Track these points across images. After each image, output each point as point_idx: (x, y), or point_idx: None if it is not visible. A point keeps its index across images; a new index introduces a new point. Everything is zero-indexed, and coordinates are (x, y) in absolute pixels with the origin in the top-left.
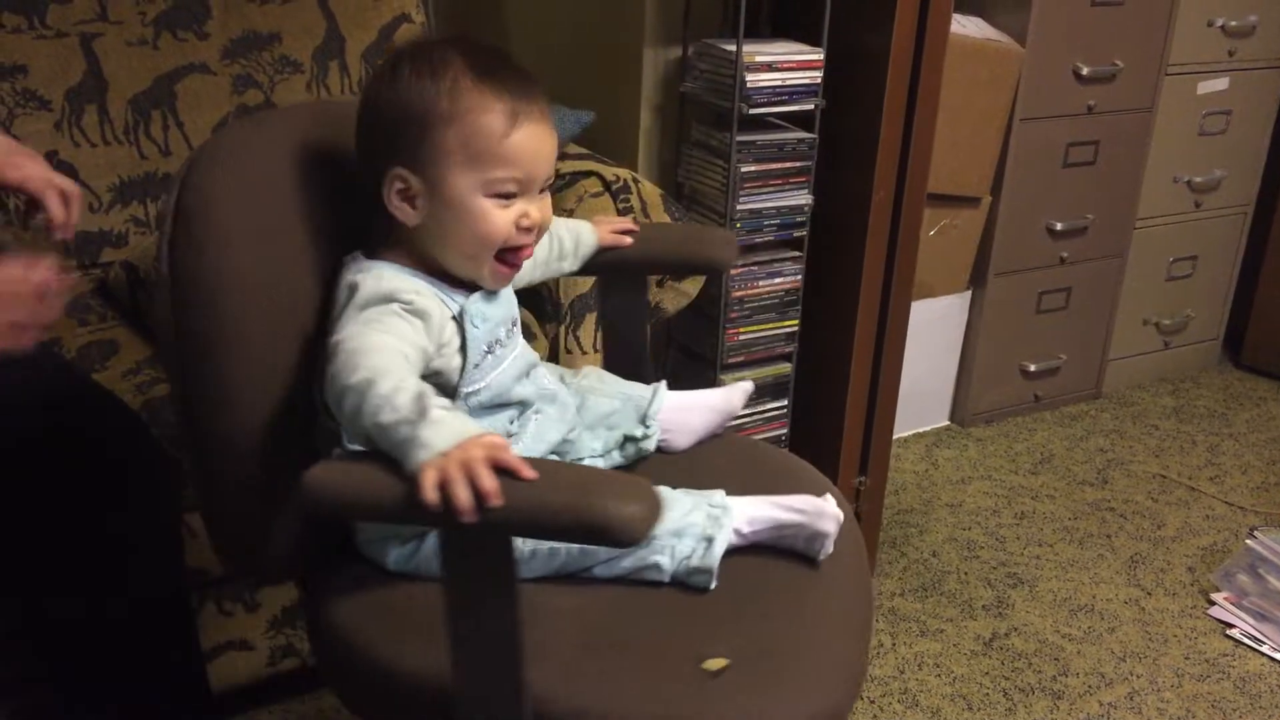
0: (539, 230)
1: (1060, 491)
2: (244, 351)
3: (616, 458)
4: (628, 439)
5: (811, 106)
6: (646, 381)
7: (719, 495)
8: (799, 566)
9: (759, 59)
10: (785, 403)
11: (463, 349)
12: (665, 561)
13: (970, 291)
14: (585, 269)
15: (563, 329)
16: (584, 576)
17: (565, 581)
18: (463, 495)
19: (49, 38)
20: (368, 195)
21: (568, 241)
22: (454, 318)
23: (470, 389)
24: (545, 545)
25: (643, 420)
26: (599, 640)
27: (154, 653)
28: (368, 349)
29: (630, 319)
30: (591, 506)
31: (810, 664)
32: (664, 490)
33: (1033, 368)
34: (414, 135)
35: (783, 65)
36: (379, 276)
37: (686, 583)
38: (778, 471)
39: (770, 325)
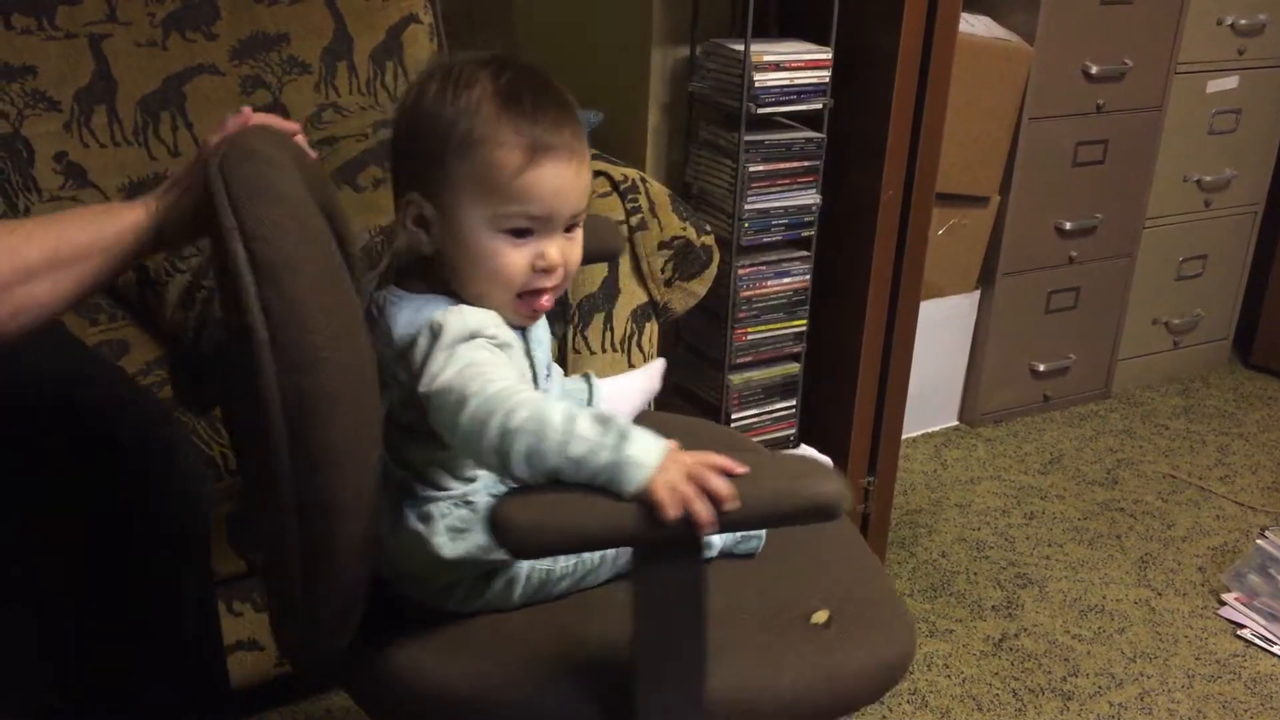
0: (565, 272)
1: (1070, 492)
2: (349, 406)
3: None
4: None
5: (820, 106)
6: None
7: None
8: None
9: (767, 58)
10: (794, 403)
11: (534, 376)
12: (715, 537)
13: (979, 291)
14: None
15: (571, 329)
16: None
17: (622, 579)
18: (703, 508)
19: (58, 39)
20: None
21: None
22: (524, 349)
23: None
24: (614, 550)
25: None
26: (713, 619)
27: (180, 651)
28: (504, 389)
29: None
30: (807, 491)
31: (888, 610)
32: None
33: (1042, 367)
34: (428, 160)
35: (791, 65)
36: (459, 312)
37: (734, 553)
38: (724, 444)
39: (778, 325)
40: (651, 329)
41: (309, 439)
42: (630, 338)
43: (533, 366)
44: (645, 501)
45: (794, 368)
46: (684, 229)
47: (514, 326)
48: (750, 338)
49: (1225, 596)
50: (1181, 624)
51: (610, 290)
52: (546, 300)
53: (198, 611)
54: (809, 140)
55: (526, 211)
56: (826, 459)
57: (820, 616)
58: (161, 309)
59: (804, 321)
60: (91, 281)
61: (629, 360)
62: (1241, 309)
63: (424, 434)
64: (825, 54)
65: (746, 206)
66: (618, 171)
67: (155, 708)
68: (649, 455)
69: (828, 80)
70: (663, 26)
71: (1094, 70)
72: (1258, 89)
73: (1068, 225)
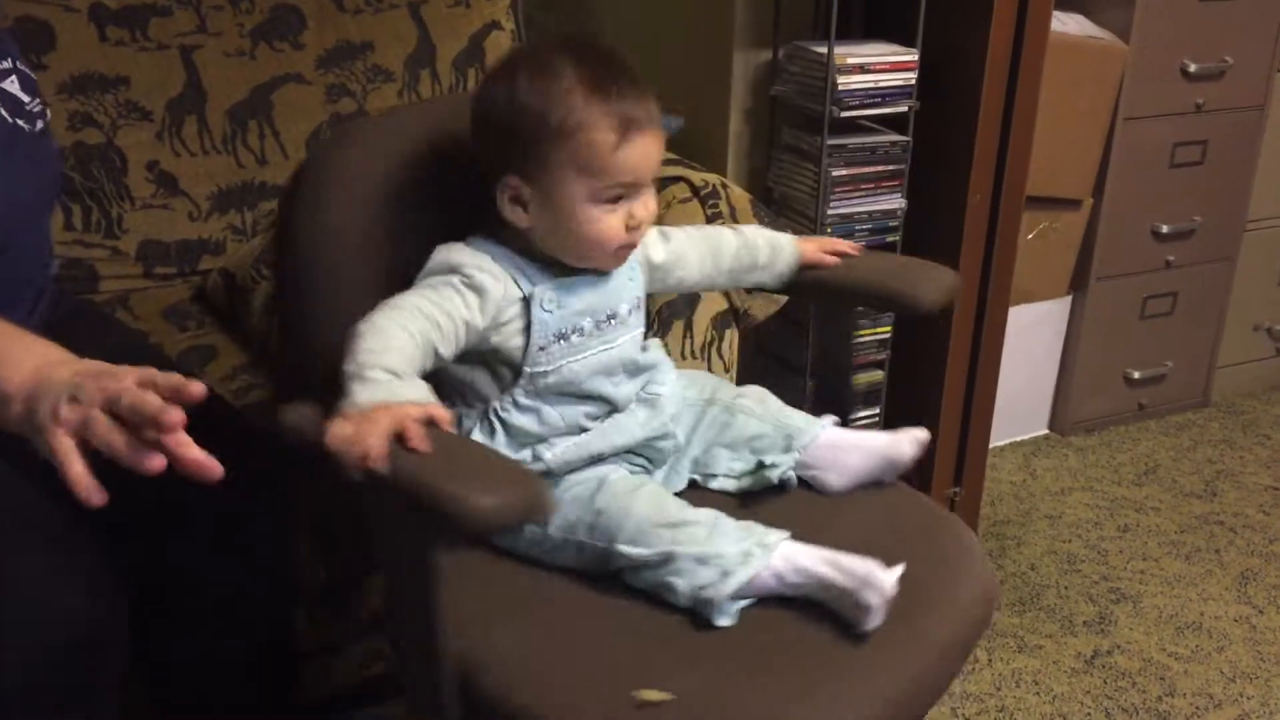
0: (646, 225)
1: (1166, 504)
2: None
3: (748, 482)
4: (761, 465)
5: (905, 109)
6: (843, 415)
7: (775, 535)
8: (835, 632)
9: (851, 61)
10: (877, 410)
11: (526, 330)
12: (681, 585)
13: (1071, 297)
14: (787, 288)
15: (651, 335)
16: (619, 579)
17: (598, 580)
18: (345, 450)
19: (150, 50)
20: (475, 189)
21: (763, 253)
22: (523, 299)
23: (536, 369)
24: (573, 536)
25: (785, 449)
26: (564, 635)
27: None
28: (393, 306)
29: (832, 349)
30: (442, 489)
31: None
32: (713, 516)
33: (1137, 375)
34: (526, 145)
35: (875, 67)
36: (453, 249)
37: (699, 612)
38: (912, 532)
39: (863, 332)
40: (732, 336)
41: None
42: (710, 344)
43: (529, 323)
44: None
45: (878, 375)
46: None
47: (553, 277)
48: None
49: None
50: None
51: (691, 296)
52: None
53: (275, 615)
54: (894, 144)
55: (621, 182)
56: (887, 585)
57: (652, 695)
58: (247, 316)
59: (888, 329)
60: None
61: (709, 367)
62: None
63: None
64: (911, 55)
65: (829, 211)
66: (698, 177)
67: (231, 710)
68: (362, 395)
69: (913, 82)
70: (744, 29)
71: (1192, 69)
72: None
73: (1164, 228)
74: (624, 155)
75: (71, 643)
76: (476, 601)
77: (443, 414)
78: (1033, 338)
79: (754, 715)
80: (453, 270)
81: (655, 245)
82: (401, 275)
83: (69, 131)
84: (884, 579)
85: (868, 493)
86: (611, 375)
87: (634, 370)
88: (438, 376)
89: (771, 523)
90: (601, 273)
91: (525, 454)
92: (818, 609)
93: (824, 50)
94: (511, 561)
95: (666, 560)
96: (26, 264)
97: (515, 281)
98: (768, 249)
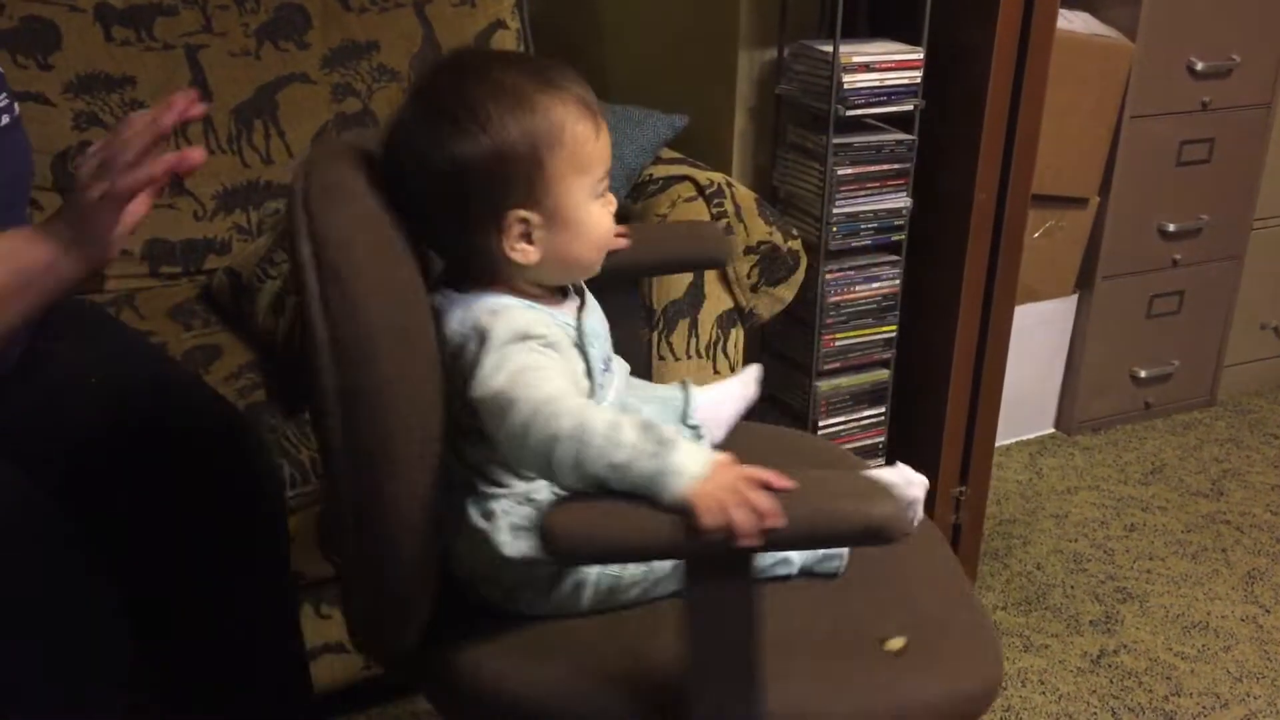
0: None
1: (1172, 503)
2: (402, 405)
3: None
4: None
5: (911, 107)
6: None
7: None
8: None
9: (856, 59)
10: (883, 410)
11: (589, 372)
12: (794, 554)
13: (1077, 295)
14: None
15: (655, 335)
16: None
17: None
18: (743, 518)
19: (156, 50)
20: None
21: None
22: (575, 344)
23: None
24: (600, 575)
25: (684, 420)
26: (779, 640)
27: (262, 654)
28: (551, 395)
29: (629, 322)
30: (854, 511)
31: (972, 638)
32: None
33: (1143, 374)
34: (528, 171)
35: (881, 65)
36: (506, 314)
37: (815, 571)
38: (819, 457)
39: (868, 331)
40: (737, 335)
41: (361, 432)
42: (715, 343)
43: (587, 361)
44: (684, 510)
45: (884, 374)
46: (770, 234)
47: (585, 310)
48: (839, 344)
49: None
50: None
51: (695, 296)
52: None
53: (276, 614)
54: (899, 142)
55: (604, 170)
56: (921, 478)
57: (895, 644)
58: (253, 315)
59: (894, 327)
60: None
61: (714, 366)
62: None
63: (481, 434)
64: (917, 54)
65: (835, 210)
66: (703, 176)
67: (236, 710)
68: (691, 464)
69: (919, 81)
70: (750, 28)
71: (1199, 66)
72: None
73: (1171, 227)
74: (601, 140)
75: (72, 641)
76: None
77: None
78: (1039, 336)
79: (962, 627)
80: (523, 338)
81: None
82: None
83: (75, 131)
84: (913, 474)
85: (744, 436)
86: (626, 387)
87: (627, 373)
88: (449, 468)
89: None
90: (585, 293)
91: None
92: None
93: (829, 49)
94: (556, 625)
95: None
96: None
97: (561, 328)
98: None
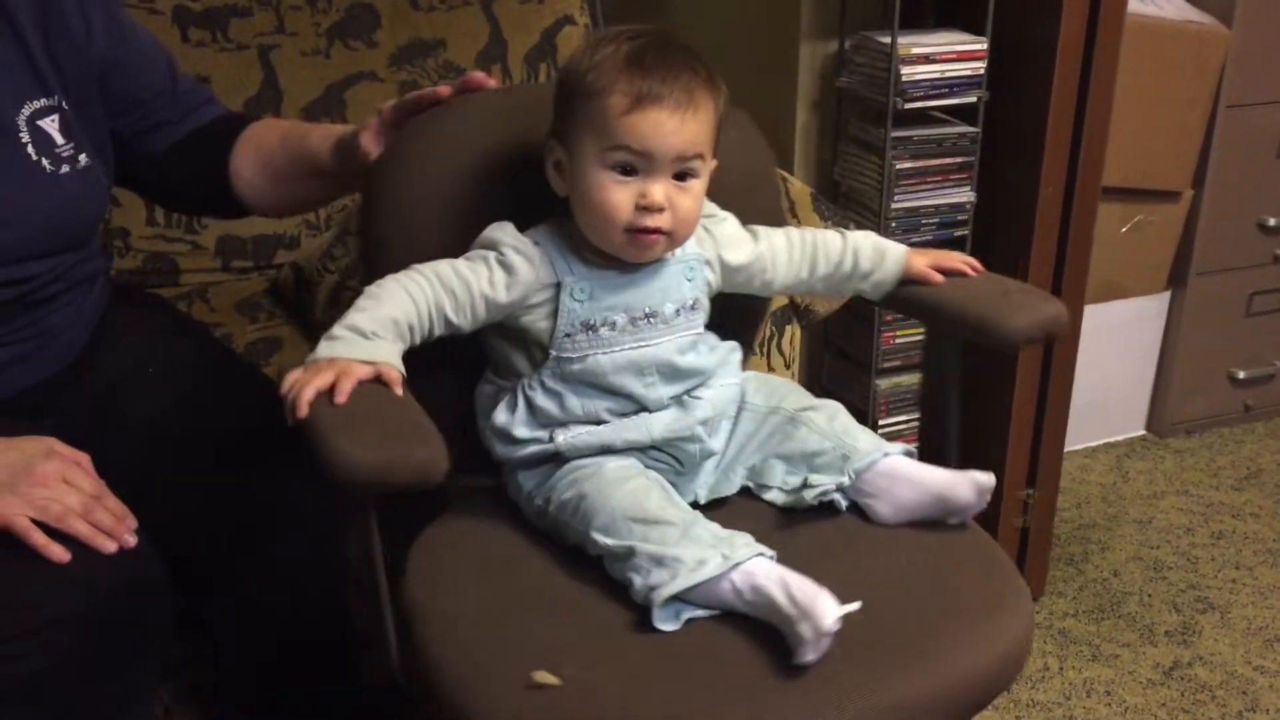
0: (673, 218)
1: (1266, 510)
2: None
3: (795, 499)
4: (805, 484)
5: (974, 99)
6: (944, 460)
7: (747, 549)
8: (775, 663)
9: (916, 51)
10: None
11: (553, 315)
12: (637, 581)
13: (1169, 292)
14: (890, 300)
15: (763, 342)
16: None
17: (581, 564)
18: (286, 397)
19: (230, 50)
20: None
21: (865, 260)
22: (555, 284)
23: (563, 355)
24: (562, 515)
25: (841, 468)
26: (507, 607)
27: (309, 638)
28: (414, 270)
29: (937, 378)
30: (325, 439)
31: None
32: (693, 518)
33: (1242, 375)
34: (564, 109)
35: (941, 57)
36: (500, 227)
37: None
38: (947, 577)
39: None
40: (793, 332)
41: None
42: (770, 340)
43: (557, 308)
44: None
45: None
46: (825, 228)
47: (598, 270)
48: (899, 341)
49: None
50: None
51: None
52: (655, 236)
53: (330, 606)
54: (962, 135)
55: (625, 145)
56: (826, 624)
57: (542, 677)
58: (312, 308)
59: None
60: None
61: (769, 364)
62: None
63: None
64: (980, 44)
65: (894, 205)
66: None
67: (287, 702)
68: (322, 349)
69: (982, 72)
70: (812, 20)
71: None
72: None
73: (1271, 221)
74: (632, 121)
75: (111, 618)
76: (453, 558)
77: (393, 375)
78: (1128, 334)
79: (624, 711)
80: (491, 247)
81: (736, 245)
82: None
83: None
84: (825, 614)
85: (919, 530)
86: (643, 375)
87: (671, 374)
88: (487, 347)
89: (799, 544)
90: (641, 267)
91: (543, 433)
92: (775, 633)
93: (888, 40)
94: (513, 528)
95: (628, 554)
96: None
97: (553, 267)
98: (872, 257)
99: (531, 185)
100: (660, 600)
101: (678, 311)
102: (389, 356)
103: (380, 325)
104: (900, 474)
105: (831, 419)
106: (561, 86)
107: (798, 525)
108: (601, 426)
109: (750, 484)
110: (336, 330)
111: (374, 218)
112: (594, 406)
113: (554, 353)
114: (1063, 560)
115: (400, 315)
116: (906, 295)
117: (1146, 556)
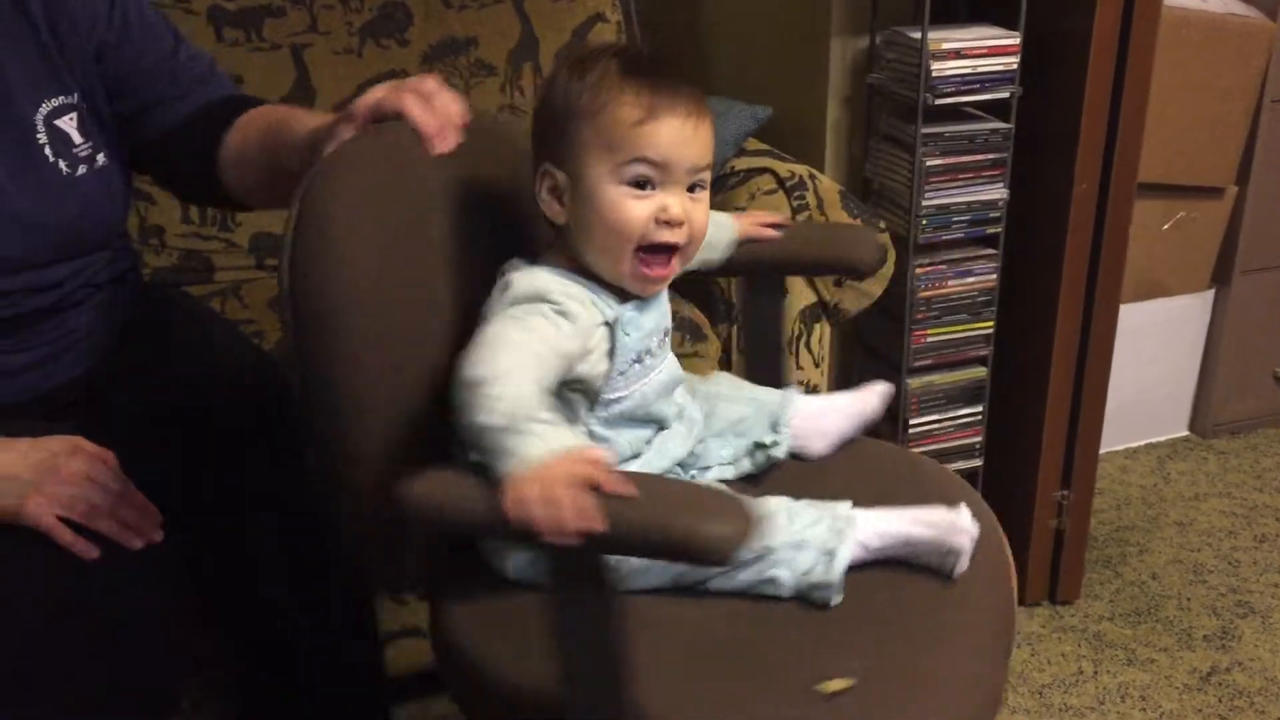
0: (690, 232)
1: None
2: (363, 364)
3: (746, 465)
4: (757, 446)
5: (1007, 95)
6: (780, 388)
7: (844, 506)
8: (932, 582)
9: (946, 46)
10: (980, 409)
11: (610, 355)
12: (784, 575)
13: (1213, 290)
14: (729, 265)
15: (735, 329)
16: (702, 589)
17: (683, 594)
18: (544, 514)
19: (264, 50)
20: (530, 204)
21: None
22: (606, 324)
23: (613, 396)
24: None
25: (773, 426)
26: (709, 656)
27: (336, 633)
28: (501, 344)
29: (768, 322)
30: (675, 526)
31: (941, 686)
32: (785, 502)
33: None
34: (559, 131)
35: (972, 52)
36: (533, 276)
37: (808, 598)
38: (914, 479)
39: (962, 327)
40: (822, 330)
41: (319, 386)
42: (798, 339)
43: (613, 347)
44: (502, 494)
45: (980, 372)
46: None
47: (622, 301)
48: (930, 340)
49: None
50: None
51: (776, 291)
52: (673, 263)
53: (348, 595)
54: (994, 131)
55: (645, 158)
56: (972, 526)
57: (834, 685)
58: None
59: (990, 324)
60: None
61: (797, 362)
62: None
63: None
64: (1013, 39)
65: (924, 202)
66: (784, 168)
67: (307, 694)
68: (529, 451)
69: (1015, 67)
70: (842, 15)
71: None
72: None
73: None
74: (647, 130)
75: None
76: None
77: (603, 453)
78: (1170, 333)
79: (935, 674)
80: (539, 298)
81: None
82: (429, 315)
83: None
84: (966, 520)
85: (845, 452)
86: (670, 395)
87: (675, 384)
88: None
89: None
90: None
91: None
92: (899, 567)
93: (919, 35)
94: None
95: (764, 554)
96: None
97: (596, 306)
98: (712, 226)
99: (473, 231)
100: (835, 578)
101: (669, 325)
102: (581, 436)
103: (546, 407)
104: (819, 409)
105: (734, 385)
106: (549, 113)
107: (753, 488)
108: (645, 458)
109: (692, 472)
110: (521, 424)
111: (303, 274)
112: (638, 440)
113: (606, 396)
114: (1100, 562)
115: (541, 393)
116: (755, 254)
117: (1186, 559)
